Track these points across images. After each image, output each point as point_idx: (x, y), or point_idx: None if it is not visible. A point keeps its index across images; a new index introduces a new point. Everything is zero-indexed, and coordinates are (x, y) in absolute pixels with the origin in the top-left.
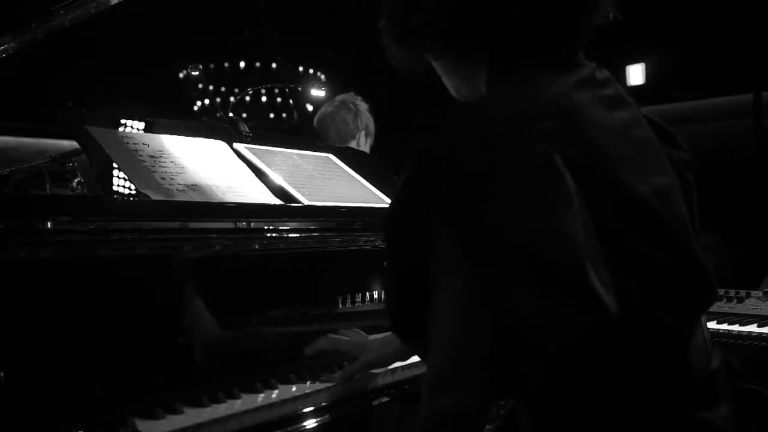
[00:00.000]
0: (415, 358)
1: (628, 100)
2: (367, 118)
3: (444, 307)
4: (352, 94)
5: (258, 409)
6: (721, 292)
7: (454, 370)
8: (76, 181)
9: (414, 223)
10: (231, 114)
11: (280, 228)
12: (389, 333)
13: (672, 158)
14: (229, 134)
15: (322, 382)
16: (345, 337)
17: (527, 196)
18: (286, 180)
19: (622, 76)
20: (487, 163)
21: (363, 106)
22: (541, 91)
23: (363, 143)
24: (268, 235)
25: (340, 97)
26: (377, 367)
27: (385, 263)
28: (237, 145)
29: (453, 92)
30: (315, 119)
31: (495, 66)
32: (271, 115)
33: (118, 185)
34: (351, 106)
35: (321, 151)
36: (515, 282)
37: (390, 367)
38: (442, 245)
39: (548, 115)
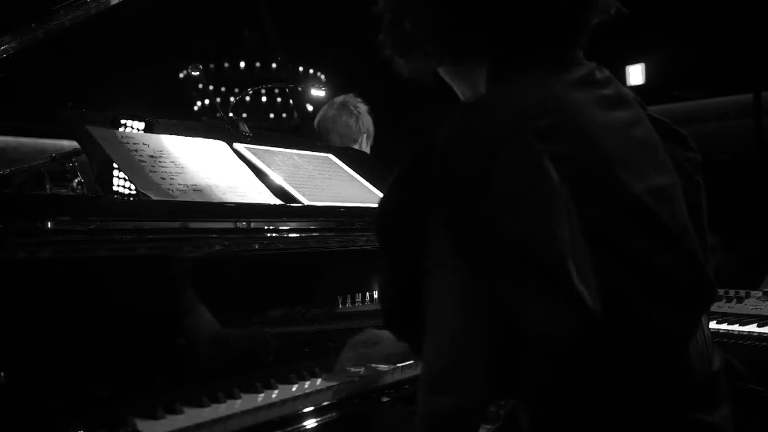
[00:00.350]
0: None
1: (629, 100)
2: (368, 121)
3: (441, 306)
4: (352, 95)
5: (258, 409)
6: (721, 292)
7: (452, 368)
8: (76, 181)
9: (409, 221)
10: (231, 114)
11: (280, 228)
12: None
13: (679, 159)
14: (229, 134)
15: (322, 381)
16: (366, 346)
17: (517, 195)
18: (286, 180)
19: (622, 76)
20: (482, 161)
21: (363, 108)
22: (537, 91)
23: (364, 145)
24: (268, 235)
25: (339, 99)
26: (391, 363)
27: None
28: (237, 145)
29: (459, 95)
30: (316, 122)
31: (494, 67)
32: (271, 115)
33: (118, 185)
34: (352, 109)
35: (321, 151)
36: (508, 280)
37: (390, 367)
38: (439, 244)
39: (544, 114)
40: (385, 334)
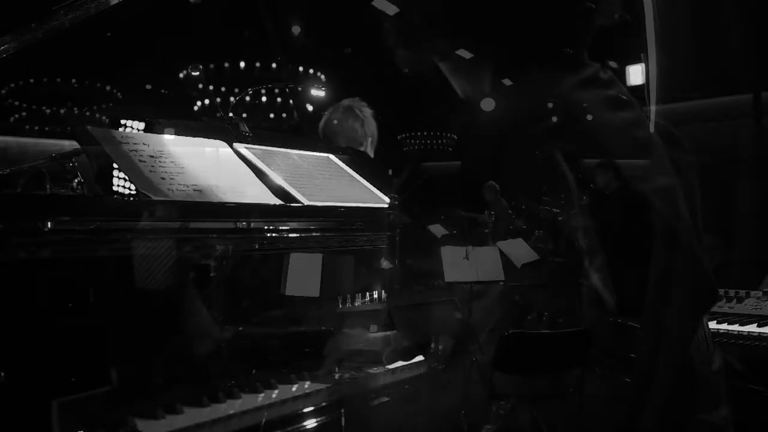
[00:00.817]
0: (416, 358)
1: (631, 101)
2: (372, 125)
3: None
4: (357, 99)
5: (258, 409)
6: (721, 292)
7: None
8: (76, 181)
9: (416, 220)
10: (231, 114)
11: (280, 228)
12: (391, 332)
13: (674, 160)
14: (229, 134)
15: (322, 382)
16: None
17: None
18: (286, 180)
19: (622, 76)
20: (490, 159)
21: (368, 112)
22: (545, 90)
23: (369, 149)
24: (268, 235)
25: (344, 103)
26: (378, 365)
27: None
28: (237, 145)
29: (459, 92)
30: (321, 125)
31: (500, 65)
32: (271, 115)
33: (118, 185)
34: (358, 113)
35: (321, 152)
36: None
37: (390, 367)
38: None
39: (552, 113)
40: (370, 337)
